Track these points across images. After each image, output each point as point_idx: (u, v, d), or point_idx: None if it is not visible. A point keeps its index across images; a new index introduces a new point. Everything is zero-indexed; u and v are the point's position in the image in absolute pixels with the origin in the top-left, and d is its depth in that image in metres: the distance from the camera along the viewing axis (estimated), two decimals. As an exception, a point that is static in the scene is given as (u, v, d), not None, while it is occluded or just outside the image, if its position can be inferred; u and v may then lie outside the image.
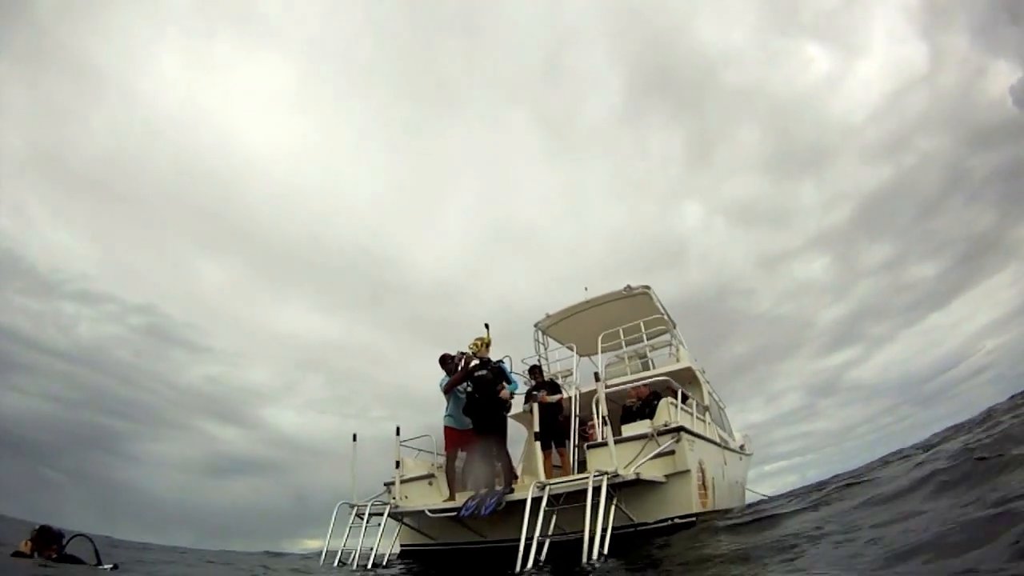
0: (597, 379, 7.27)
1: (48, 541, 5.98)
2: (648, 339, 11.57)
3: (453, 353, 8.48)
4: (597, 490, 6.08)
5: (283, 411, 48.77)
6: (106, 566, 6.06)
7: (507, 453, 7.77)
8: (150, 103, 43.59)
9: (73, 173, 39.28)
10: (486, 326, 8.38)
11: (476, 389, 7.80)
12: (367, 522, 8.15)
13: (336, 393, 52.58)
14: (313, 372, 52.99)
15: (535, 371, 10.02)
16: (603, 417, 6.90)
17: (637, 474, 6.62)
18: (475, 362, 7.96)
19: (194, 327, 42.12)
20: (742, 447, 13.10)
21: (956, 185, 48.79)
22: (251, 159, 51.01)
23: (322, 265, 51.57)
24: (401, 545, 8.73)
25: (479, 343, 8.09)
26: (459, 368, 8.17)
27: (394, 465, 8.71)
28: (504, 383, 7.91)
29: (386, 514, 8.07)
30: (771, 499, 11.61)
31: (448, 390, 8.17)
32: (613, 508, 6.27)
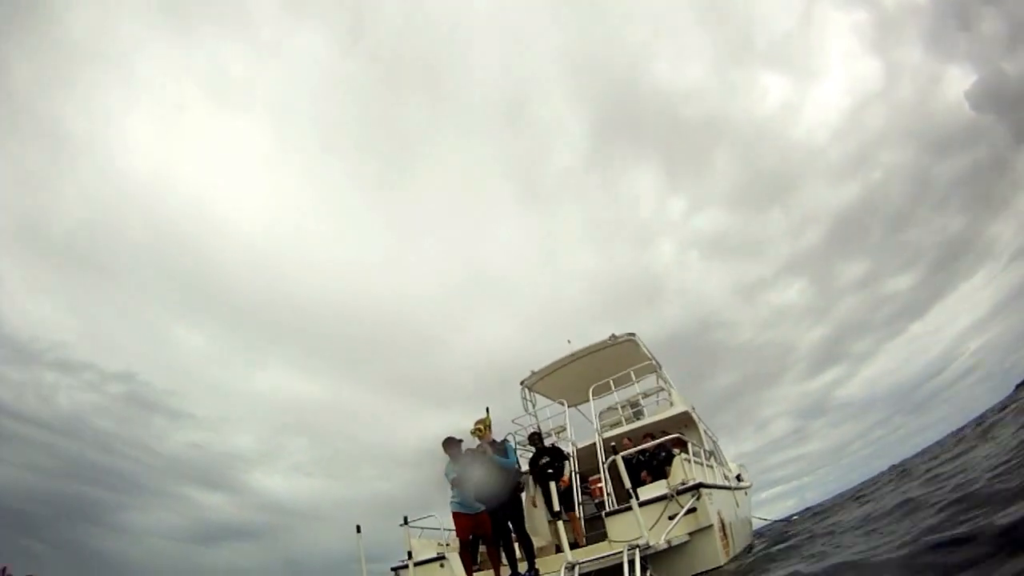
0: (615, 450, 7.22)
1: None
2: (639, 386, 11.58)
3: (458, 437, 8.27)
4: (631, 563, 5.99)
5: (269, 475, 47.68)
6: None
7: (526, 532, 7.57)
8: (123, 170, 43.13)
9: (49, 241, 38.39)
10: (487, 410, 8.25)
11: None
12: None
13: (321, 454, 51.70)
14: (297, 435, 51.98)
15: (535, 438, 9.87)
16: (628, 490, 6.82)
17: (668, 542, 6.57)
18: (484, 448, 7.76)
19: (175, 393, 41.11)
20: (739, 477, 13.14)
21: (923, 194, 50.93)
22: (225, 222, 50.71)
23: (299, 326, 50.93)
24: None
25: (481, 426, 7.89)
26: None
27: (406, 554, 8.43)
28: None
29: None
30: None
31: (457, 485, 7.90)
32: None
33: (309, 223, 56.39)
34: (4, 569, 6.09)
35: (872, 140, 52.19)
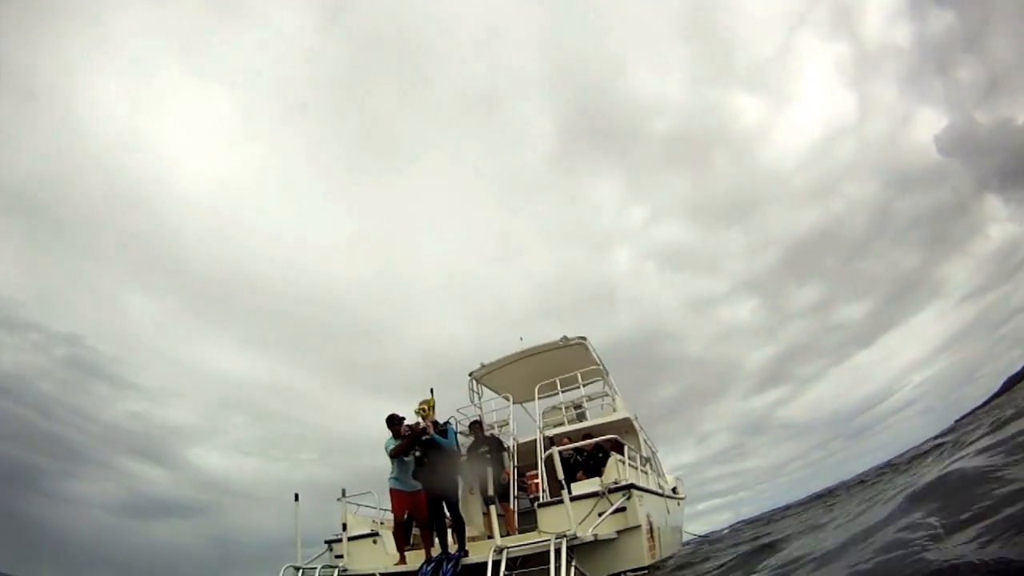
0: (552, 443, 7.35)
1: None
2: (584, 389, 11.78)
3: (401, 414, 8.33)
4: (557, 551, 6.14)
5: (208, 452, 46.83)
6: None
7: (460, 515, 7.66)
8: (89, 127, 41.84)
9: (3, 194, 36.81)
10: (431, 391, 8.31)
11: (424, 453, 7.67)
12: None
13: (262, 434, 50.95)
14: (239, 412, 51.23)
15: (476, 426, 9.98)
16: (560, 481, 6.96)
17: (595, 535, 6.73)
18: (425, 427, 7.81)
19: (120, 361, 40.14)
20: (674, 489, 13.42)
21: (882, 229, 52.12)
22: (185, 190, 49.61)
23: (251, 303, 49.96)
24: None
25: (425, 407, 7.98)
26: (406, 432, 8.02)
27: (340, 527, 8.49)
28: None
29: None
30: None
31: (396, 455, 7.97)
32: (573, 569, 6.33)
33: (271, 200, 55.85)
34: None
35: (838, 171, 53.85)
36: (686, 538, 13.18)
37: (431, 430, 7.69)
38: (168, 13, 46.73)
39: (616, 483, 7.68)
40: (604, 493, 7.53)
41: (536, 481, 9.45)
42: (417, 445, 7.75)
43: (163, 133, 51.65)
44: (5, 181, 36.92)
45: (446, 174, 58.40)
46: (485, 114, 57.07)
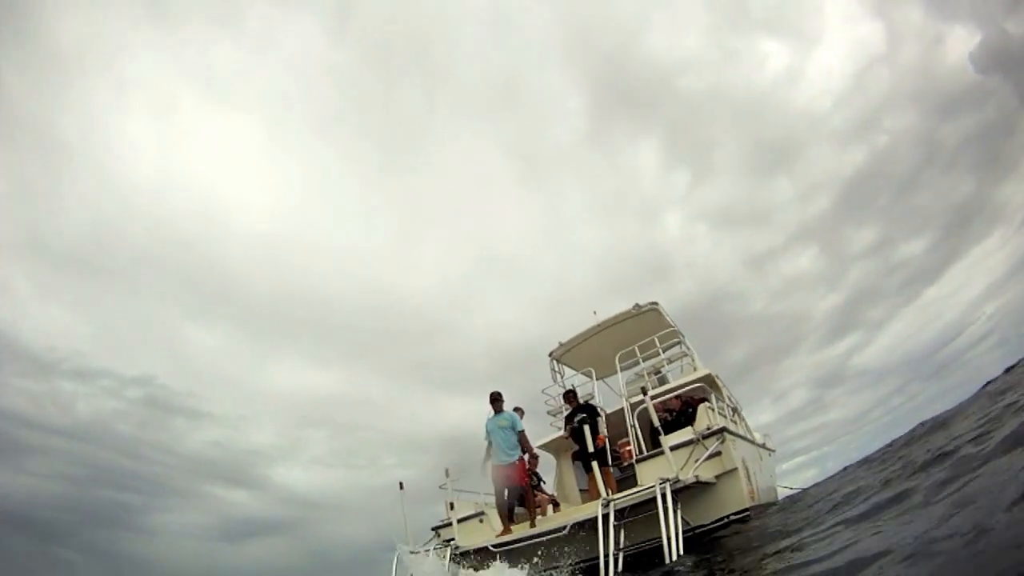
0: (644, 393, 7.61)
1: None
2: (664, 353, 11.96)
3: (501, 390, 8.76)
4: (663, 496, 6.42)
5: (290, 469, 48.11)
6: None
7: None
8: (121, 174, 43.17)
9: (56, 250, 38.84)
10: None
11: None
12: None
13: (341, 446, 52.01)
14: (315, 427, 52.32)
15: (570, 395, 10.28)
16: (658, 427, 7.24)
17: (696, 477, 6.97)
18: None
19: (192, 394, 41.55)
20: (764, 444, 13.44)
21: (930, 158, 49.90)
22: (228, 219, 50.82)
23: (309, 317, 51.14)
24: None
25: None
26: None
27: (447, 507, 8.88)
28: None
29: (448, 555, 8.23)
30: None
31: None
32: (679, 513, 6.58)
33: (312, 215, 56.46)
34: None
35: (876, 105, 51.40)
36: (783, 493, 13.17)
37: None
38: (181, 51, 48.00)
39: (709, 428, 7.90)
40: (698, 440, 7.72)
41: (628, 448, 9.70)
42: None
43: (196, 167, 52.37)
44: (55, 237, 38.83)
45: (482, 163, 58.10)
46: (510, 95, 56.80)
